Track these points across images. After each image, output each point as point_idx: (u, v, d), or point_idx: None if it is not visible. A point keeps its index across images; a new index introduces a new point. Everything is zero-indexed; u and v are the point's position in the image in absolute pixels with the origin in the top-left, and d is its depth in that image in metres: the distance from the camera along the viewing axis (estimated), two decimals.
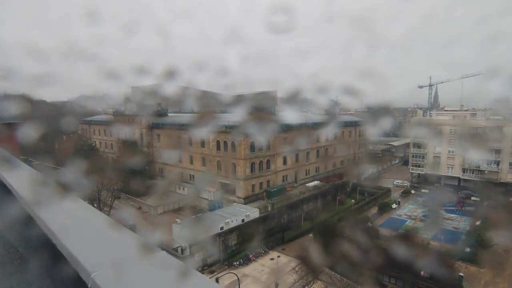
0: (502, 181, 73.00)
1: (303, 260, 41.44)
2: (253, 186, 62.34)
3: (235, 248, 45.42)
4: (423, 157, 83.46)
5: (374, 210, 64.08)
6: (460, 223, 57.94)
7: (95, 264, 1.27)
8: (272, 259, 43.35)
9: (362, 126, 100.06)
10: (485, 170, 73.98)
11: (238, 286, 36.07)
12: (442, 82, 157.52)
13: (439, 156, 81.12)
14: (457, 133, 77.83)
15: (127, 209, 60.46)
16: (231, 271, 38.41)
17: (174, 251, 41.77)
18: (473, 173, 76.49)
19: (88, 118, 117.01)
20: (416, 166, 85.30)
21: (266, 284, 38.06)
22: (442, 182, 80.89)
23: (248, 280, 38.70)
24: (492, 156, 73.53)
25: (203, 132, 67.28)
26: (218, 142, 64.71)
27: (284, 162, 69.65)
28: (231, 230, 45.59)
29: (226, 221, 45.79)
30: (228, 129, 62.67)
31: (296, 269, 39.84)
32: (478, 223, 54.76)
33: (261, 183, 63.79)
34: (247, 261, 42.86)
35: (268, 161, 65.35)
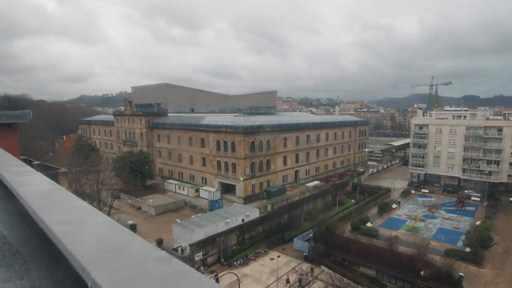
0: (502, 181, 73.05)
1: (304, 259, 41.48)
2: (253, 186, 62.28)
3: (235, 248, 45.42)
4: (423, 157, 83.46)
5: (374, 210, 64.11)
6: (460, 223, 57.96)
7: (95, 264, 1.28)
8: (272, 259, 43.32)
9: (362, 126, 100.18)
10: (485, 170, 73.96)
11: (238, 286, 36.05)
12: (444, 84, 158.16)
13: (439, 156, 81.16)
14: (457, 133, 77.86)
15: (127, 208, 60.50)
16: (231, 271, 38.38)
17: (174, 251, 41.79)
18: (473, 173, 76.52)
19: (88, 118, 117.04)
20: (416, 166, 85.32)
21: (266, 284, 38.04)
22: (442, 182, 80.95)
23: (248, 280, 38.69)
24: (492, 156, 73.55)
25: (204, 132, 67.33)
26: (218, 142, 64.64)
27: (284, 162, 69.58)
28: (231, 230, 45.57)
29: (226, 221, 45.75)
30: (228, 129, 62.58)
31: (296, 269, 39.86)
32: (478, 223, 54.79)
33: (261, 183, 63.75)
34: (247, 261, 42.85)
35: (268, 161, 65.31)
